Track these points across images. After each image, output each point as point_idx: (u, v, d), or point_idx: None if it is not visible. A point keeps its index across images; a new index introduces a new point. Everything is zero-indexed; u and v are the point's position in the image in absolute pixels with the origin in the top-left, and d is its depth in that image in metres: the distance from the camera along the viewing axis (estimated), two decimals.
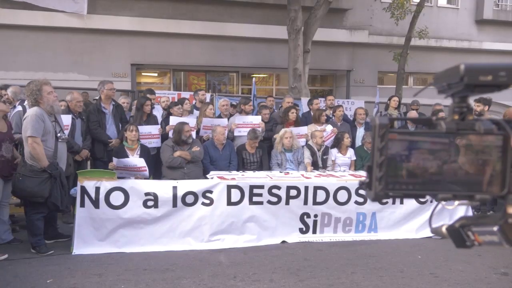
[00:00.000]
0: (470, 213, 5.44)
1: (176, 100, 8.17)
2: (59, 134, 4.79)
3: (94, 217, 4.86)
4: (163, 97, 7.86)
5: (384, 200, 0.89)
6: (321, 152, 6.57)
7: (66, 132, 5.43)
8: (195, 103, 7.86)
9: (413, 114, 8.32)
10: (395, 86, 12.40)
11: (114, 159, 5.41)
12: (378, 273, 4.37)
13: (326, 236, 5.47)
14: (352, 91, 14.30)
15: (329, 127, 7.01)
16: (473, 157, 0.87)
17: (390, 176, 0.87)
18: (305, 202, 5.37)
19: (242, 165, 6.26)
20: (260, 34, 12.59)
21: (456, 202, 0.91)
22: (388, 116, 0.91)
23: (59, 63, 11.63)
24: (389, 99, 8.37)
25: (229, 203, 5.17)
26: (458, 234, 0.91)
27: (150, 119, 6.47)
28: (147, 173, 5.43)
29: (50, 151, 4.69)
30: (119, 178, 5.11)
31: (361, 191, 5.47)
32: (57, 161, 4.77)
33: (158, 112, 7.21)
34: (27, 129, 4.55)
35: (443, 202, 0.91)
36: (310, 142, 6.65)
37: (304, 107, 8.86)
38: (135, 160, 5.49)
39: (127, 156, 5.59)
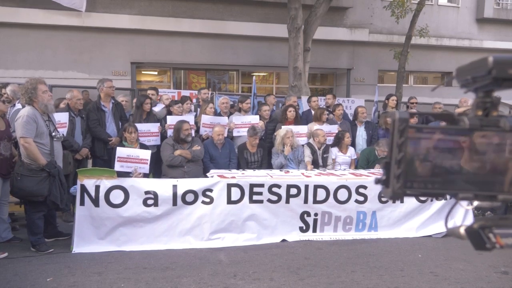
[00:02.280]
0: (470, 213, 5.44)
1: (176, 98, 8.18)
2: (53, 133, 4.79)
3: (94, 216, 4.86)
4: (165, 95, 7.86)
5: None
6: (322, 151, 6.56)
7: (62, 130, 5.43)
8: (198, 101, 7.86)
9: (412, 111, 8.28)
10: (395, 85, 12.38)
11: (118, 149, 5.41)
12: (378, 272, 4.37)
13: (326, 234, 5.46)
14: (352, 89, 14.29)
15: (333, 128, 6.99)
16: (495, 155, 0.83)
17: (409, 173, 0.83)
18: (305, 201, 5.37)
19: (245, 165, 6.23)
20: (260, 33, 12.58)
21: (475, 203, 0.87)
22: (409, 111, 0.87)
23: (59, 62, 11.62)
24: (387, 98, 8.30)
25: (229, 201, 5.17)
26: (477, 236, 0.86)
27: (150, 117, 6.47)
28: (147, 166, 5.44)
29: (46, 150, 4.69)
30: (118, 172, 5.11)
31: (362, 190, 5.48)
32: (54, 159, 4.77)
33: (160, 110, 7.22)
34: (19, 129, 4.56)
35: (462, 202, 0.87)
36: (310, 141, 6.64)
37: (304, 106, 8.85)
38: (139, 151, 5.51)
39: None
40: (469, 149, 0.84)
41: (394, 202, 5.75)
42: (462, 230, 0.89)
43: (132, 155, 5.43)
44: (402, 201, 5.53)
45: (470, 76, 0.86)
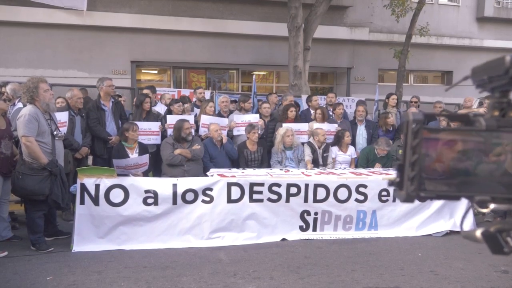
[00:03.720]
0: (471, 212, 5.42)
1: (176, 97, 8.16)
2: (55, 132, 4.79)
3: (94, 215, 4.86)
4: (166, 94, 7.86)
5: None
6: (322, 150, 6.56)
7: (62, 129, 5.43)
8: (195, 101, 7.86)
9: (412, 110, 8.27)
10: (395, 84, 12.38)
11: (114, 161, 5.42)
12: (378, 270, 4.37)
13: (326, 233, 5.46)
14: (353, 88, 14.28)
15: (333, 127, 6.99)
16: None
17: (423, 176, 0.81)
18: (305, 200, 5.36)
19: (245, 164, 6.23)
20: (260, 32, 12.57)
21: (492, 205, 0.85)
22: (422, 111, 0.85)
23: (59, 60, 11.61)
24: (387, 97, 8.32)
25: (229, 200, 5.16)
26: (495, 240, 0.84)
27: (150, 116, 6.47)
28: (146, 167, 5.50)
29: (48, 149, 4.69)
30: (119, 175, 5.11)
31: (362, 189, 5.48)
32: (56, 158, 4.77)
33: (161, 109, 7.21)
34: (20, 128, 4.56)
35: (476, 205, 0.85)
36: (310, 139, 6.64)
37: (304, 105, 8.85)
38: (137, 159, 5.54)
39: (127, 155, 5.63)
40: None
41: (396, 202, 5.70)
42: (478, 234, 0.87)
43: (131, 164, 5.43)
44: None
45: (486, 76, 0.85)
